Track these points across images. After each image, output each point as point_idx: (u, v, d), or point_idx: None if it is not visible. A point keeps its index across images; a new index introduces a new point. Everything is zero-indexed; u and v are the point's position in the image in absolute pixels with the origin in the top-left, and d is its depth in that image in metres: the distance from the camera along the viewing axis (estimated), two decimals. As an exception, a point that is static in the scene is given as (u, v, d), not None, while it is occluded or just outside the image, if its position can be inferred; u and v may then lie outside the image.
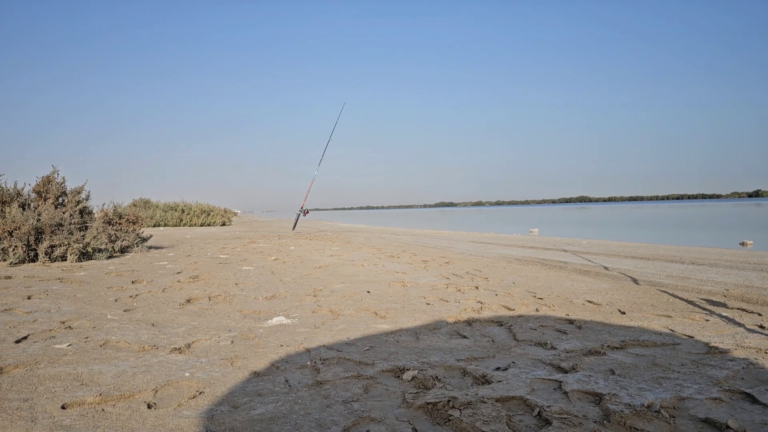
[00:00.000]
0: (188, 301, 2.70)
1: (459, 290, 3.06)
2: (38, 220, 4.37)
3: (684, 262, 4.43)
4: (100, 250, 4.66)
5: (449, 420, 1.16)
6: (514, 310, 2.47)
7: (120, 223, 5.58)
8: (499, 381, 1.41)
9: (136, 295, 2.82)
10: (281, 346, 1.82)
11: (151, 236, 6.12)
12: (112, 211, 5.71)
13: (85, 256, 4.54)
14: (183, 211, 15.29)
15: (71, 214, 4.84)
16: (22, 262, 4.15)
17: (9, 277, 3.36)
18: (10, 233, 4.20)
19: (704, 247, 6.80)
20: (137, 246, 5.40)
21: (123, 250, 5.20)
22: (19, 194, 4.91)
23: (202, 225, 15.31)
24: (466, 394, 1.30)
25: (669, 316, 2.28)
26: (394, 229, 14.77)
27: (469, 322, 2.21)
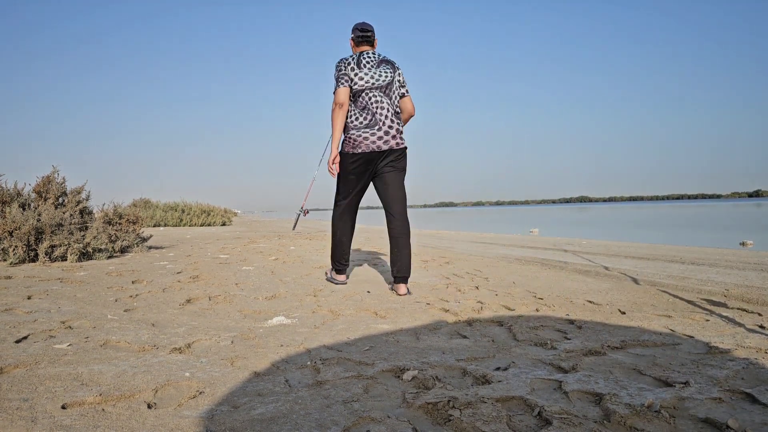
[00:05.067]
0: (188, 301, 2.70)
1: (459, 290, 3.06)
2: (38, 220, 4.37)
3: (684, 262, 4.43)
4: (100, 250, 4.66)
5: (449, 420, 1.16)
6: (514, 310, 2.47)
7: (120, 223, 5.58)
8: (500, 381, 1.41)
9: (137, 295, 2.82)
10: (281, 346, 1.82)
11: (151, 236, 6.12)
12: (112, 211, 5.71)
13: (85, 256, 4.54)
14: (183, 211, 15.29)
15: (71, 214, 4.84)
16: (23, 262, 4.15)
17: (9, 277, 3.36)
18: (11, 233, 4.20)
19: (704, 247, 6.80)
20: (137, 246, 5.40)
21: (123, 250, 5.20)
22: (19, 194, 4.91)
23: (202, 225, 15.31)
24: (467, 394, 1.30)
25: (669, 316, 2.28)
26: (394, 229, 14.76)
27: (469, 322, 2.21)
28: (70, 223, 4.64)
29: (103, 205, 5.86)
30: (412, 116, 3.12)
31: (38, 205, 4.86)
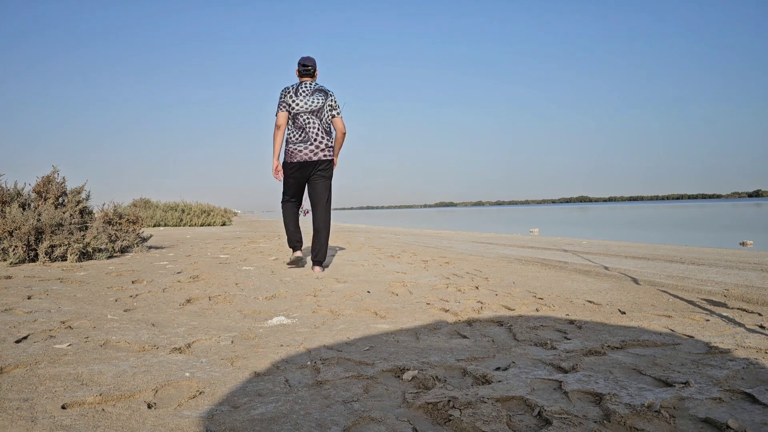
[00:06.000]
0: (188, 301, 2.70)
1: (459, 290, 3.06)
2: (38, 220, 4.37)
3: (684, 262, 4.43)
4: (100, 250, 4.66)
5: (449, 420, 1.16)
6: (514, 310, 2.47)
7: (120, 223, 5.58)
8: (500, 381, 1.41)
9: (136, 295, 2.82)
10: (281, 346, 1.82)
11: (151, 236, 6.12)
12: (112, 211, 5.71)
13: (85, 256, 4.54)
14: (183, 211, 15.28)
15: (71, 214, 4.84)
16: (22, 262, 4.15)
17: (9, 277, 3.36)
18: (11, 233, 4.20)
19: (704, 247, 6.81)
20: (137, 246, 5.40)
21: (123, 250, 5.20)
22: (19, 194, 4.91)
23: (202, 225, 15.31)
24: (467, 394, 1.30)
25: (669, 316, 2.28)
26: (394, 229, 14.78)
27: (470, 322, 2.21)
28: (70, 223, 4.64)
29: (103, 205, 5.86)
30: (343, 133, 3.88)
31: (38, 205, 4.86)
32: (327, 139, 3.79)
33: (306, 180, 3.87)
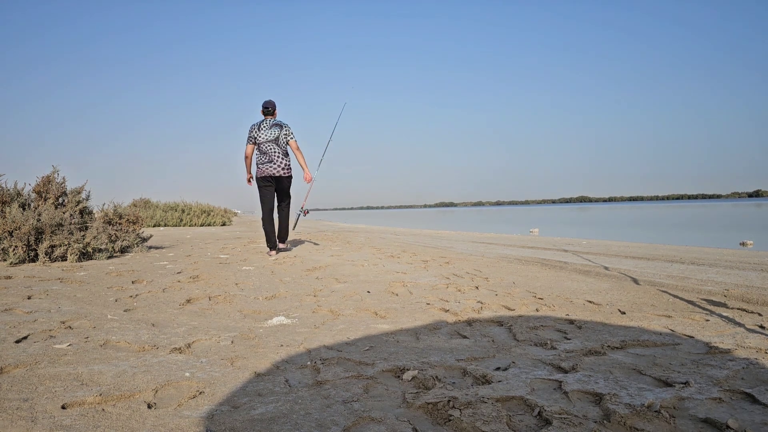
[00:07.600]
0: (188, 301, 2.70)
1: (459, 290, 3.06)
2: (38, 220, 4.37)
3: (684, 262, 4.43)
4: (100, 250, 4.66)
5: (449, 420, 1.16)
6: (514, 310, 2.47)
7: (120, 223, 5.58)
8: (500, 381, 1.41)
9: (136, 295, 2.82)
10: (281, 346, 1.82)
11: (151, 236, 6.12)
12: (112, 211, 5.71)
13: (85, 256, 4.54)
14: (183, 211, 15.28)
15: (71, 214, 4.84)
16: (23, 262, 4.15)
17: (9, 277, 3.36)
18: (11, 233, 4.20)
19: (704, 247, 6.81)
20: (137, 246, 5.40)
21: (123, 250, 5.20)
22: (19, 194, 4.91)
23: (202, 225, 15.31)
24: (467, 394, 1.30)
25: (669, 316, 2.28)
26: (394, 229, 14.78)
27: (470, 322, 2.21)
28: (70, 223, 4.64)
29: (103, 205, 5.86)
30: (298, 148, 5.27)
31: (38, 205, 4.86)
32: (286, 160, 5.24)
33: (274, 188, 5.27)
